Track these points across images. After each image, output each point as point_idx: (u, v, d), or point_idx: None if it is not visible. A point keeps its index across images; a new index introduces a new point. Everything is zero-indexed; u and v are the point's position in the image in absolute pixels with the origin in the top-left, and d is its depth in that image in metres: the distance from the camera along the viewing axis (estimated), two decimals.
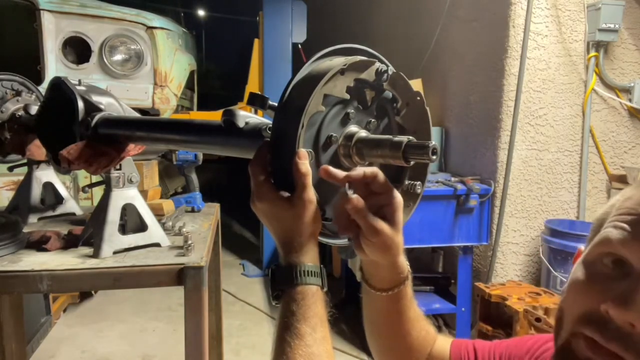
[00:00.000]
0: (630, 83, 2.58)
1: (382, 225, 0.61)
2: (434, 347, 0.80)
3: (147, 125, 1.11)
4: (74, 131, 1.11)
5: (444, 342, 0.82)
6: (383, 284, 0.69)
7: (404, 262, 0.68)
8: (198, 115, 4.10)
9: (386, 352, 0.80)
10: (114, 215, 1.19)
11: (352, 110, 0.68)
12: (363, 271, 0.71)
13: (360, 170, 0.62)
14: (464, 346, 0.80)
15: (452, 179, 2.65)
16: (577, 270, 0.53)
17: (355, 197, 0.61)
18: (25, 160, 1.56)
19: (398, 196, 0.63)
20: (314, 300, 0.58)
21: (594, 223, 0.57)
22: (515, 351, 0.74)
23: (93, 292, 3.40)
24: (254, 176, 0.63)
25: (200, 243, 1.27)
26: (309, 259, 0.62)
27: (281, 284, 0.61)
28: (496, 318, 2.24)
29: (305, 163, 0.60)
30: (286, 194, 0.62)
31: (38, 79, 2.97)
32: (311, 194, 0.61)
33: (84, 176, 2.93)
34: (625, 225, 0.48)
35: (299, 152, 0.59)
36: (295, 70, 0.64)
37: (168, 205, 1.56)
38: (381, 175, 0.62)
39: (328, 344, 0.57)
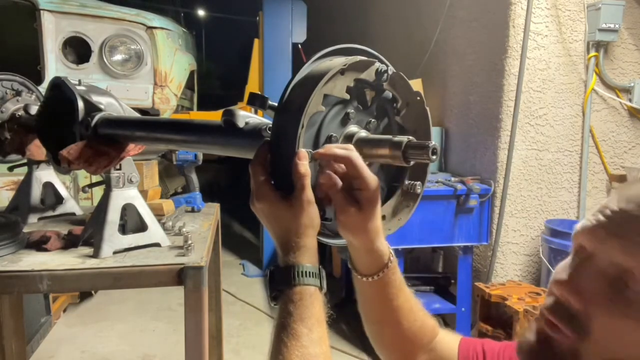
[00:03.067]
0: (630, 83, 2.58)
1: (349, 206, 0.63)
2: (438, 343, 0.80)
3: (147, 125, 1.11)
4: (74, 131, 1.11)
5: (450, 339, 0.81)
6: (365, 268, 0.70)
7: (383, 248, 0.69)
8: (198, 115, 4.10)
9: (380, 339, 0.80)
10: (114, 215, 1.19)
11: (352, 110, 0.68)
12: (350, 255, 0.72)
13: (331, 151, 0.62)
14: (473, 347, 0.80)
15: (452, 179, 2.65)
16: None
17: (327, 174, 0.62)
18: (25, 160, 1.56)
19: (371, 181, 0.62)
20: (312, 301, 0.59)
21: None
22: None
23: (93, 292, 3.40)
24: (254, 176, 0.63)
25: (200, 243, 1.27)
26: (308, 259, 0.62)
27: (279, 284, 0.61)
28: (496, 318, 2.24)
29: (304, 164, 0.60)
30: (285, 195, 0.62)
31: (38, 79, 2.97)
32: (310, 194, 0.61)
33: (84, 176, 2.92)
34: (590, 217, 0.53)
35: (299, 152, 0.59)
36: (295, 70, 0.64)
37: (168, 205, 1.56)
38: (355, 160, 0.61)
39: (325, 345, 0.57)
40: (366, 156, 0.65)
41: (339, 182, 0.63)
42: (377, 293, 0.72)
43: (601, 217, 0.50)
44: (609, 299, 0.48)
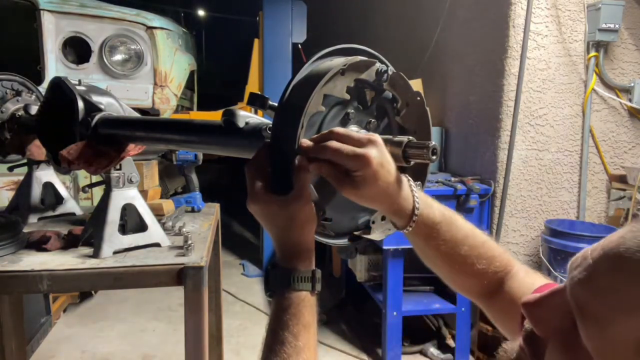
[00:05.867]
0: (630, 83, 2.58)
1: (345, 185, 0.61)
2: (512, 288, 0.74)
3: (147, 125, 1.11)
4: (74, 131, 1.11)
5: (525, 284, 0.73)
6: (396, 222, 0.69)
7: (400, 207, 0.66)
8: (198, 115, 4.10)
9: (442, 276, 0.78)
10: (114, 215, 1.19)
11: (352, 111, 0.68)
12: None
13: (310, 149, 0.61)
14: None
15: (452, 179, 2.64)
16: None
17: (313, 165, 0.61)
18: (25, 160, 1.56)
19: (359, 165, 0.59)
20: (300, 309, 0.59)
21: None
22: None
23: (93, 292, 3.40)
24: (248, 177, 0.63)
25: (200, 243, 1.27)
26: (302, 262, 0.62)
27: (272, 286, 0.62)
28: None
29: (305, 165, 0.60)
30: (282, 195, 0.62)
31: (38, 79, 2.97)
32: (307, 192, 0.61)
33: (84, 176, 2.92)
34: (588, 251, 0.45)
35: (299, 159, 0.60)
36: (295, 70, 0.64)
37: (168, 205, 1.56)
38: (339, 152, 0.59)
39: (310, 351, 0.58)
40: None
41: (329, 173, 0.62)
42: (418, 241, 0.72)
43: (589, 255, 0.42)
44: (564, 335, 0.44)
